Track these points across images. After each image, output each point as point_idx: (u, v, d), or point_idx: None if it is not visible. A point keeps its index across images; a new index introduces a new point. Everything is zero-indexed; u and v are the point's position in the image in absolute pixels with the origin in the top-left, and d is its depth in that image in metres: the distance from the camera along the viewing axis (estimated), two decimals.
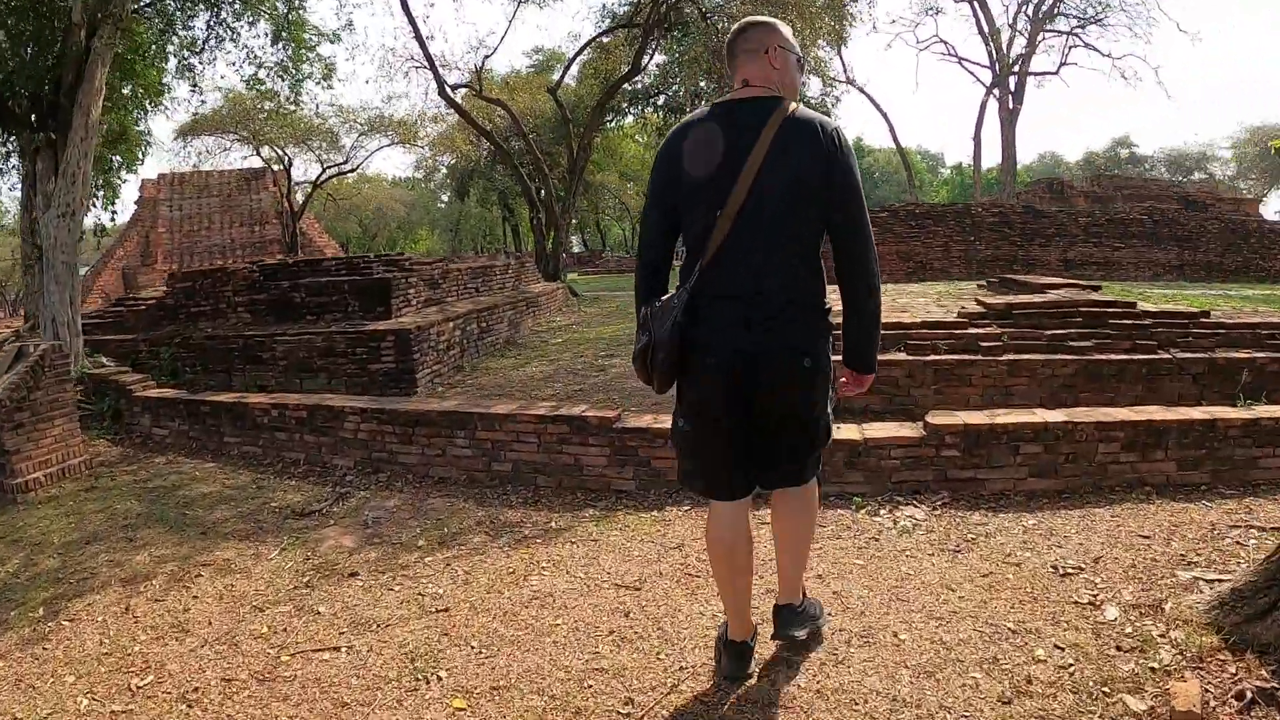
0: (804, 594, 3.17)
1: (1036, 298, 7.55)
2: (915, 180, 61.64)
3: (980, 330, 7.04)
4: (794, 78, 2.74)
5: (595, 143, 33.86)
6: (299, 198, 28.46)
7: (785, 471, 2.82)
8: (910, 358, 6.72)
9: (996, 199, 27.74)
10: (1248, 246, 21.83)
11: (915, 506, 4.93)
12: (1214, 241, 21.72)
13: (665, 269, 2.78)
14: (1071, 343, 6.95)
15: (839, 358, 2.79)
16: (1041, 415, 5.27)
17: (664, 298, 2.64)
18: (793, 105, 2.55)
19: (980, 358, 6.73)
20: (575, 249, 60.18)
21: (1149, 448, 5.10)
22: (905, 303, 8.95)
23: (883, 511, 4.86)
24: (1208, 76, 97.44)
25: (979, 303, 7.71)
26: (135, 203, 27.41)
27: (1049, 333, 7.02)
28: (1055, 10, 32.32)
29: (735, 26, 2.70)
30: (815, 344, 2.62)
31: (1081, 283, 8.74)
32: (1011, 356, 6.78)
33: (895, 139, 36.42)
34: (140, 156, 11.33)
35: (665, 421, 5.41)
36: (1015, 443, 5.14)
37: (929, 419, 5.25)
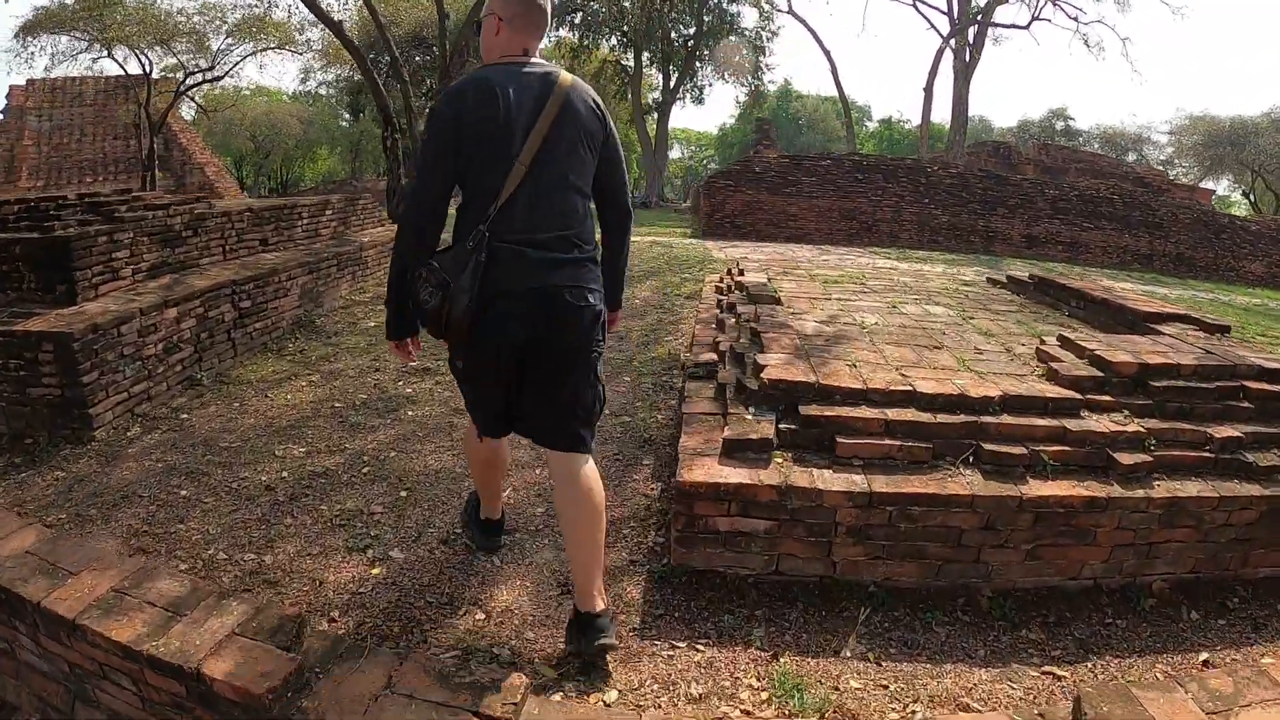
0: (602, 599, 2.72)
1: (1173, 354, 4.13)
2: (840, 134, 58.41)
3: (1109, 425, 3.58)
4: None
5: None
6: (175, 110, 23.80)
7: (563, 427, 2.72)
8: (988, 489, 3.22)
9: (944, 158, 24.37)
10: (1219, 242, 19.13)
11: None
12: (1185, 233, 18.94)
13: (440, 230, 2.70)
14: (1247, 455, 3.59)
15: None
16: None
17: (453, 247, 2.56)
18: (568, 75, 2.66)
19: (1118, 493, 3.29)
20: None
21: None
22: (917, 315, 5.43)
23: None
24: (1151, 58, 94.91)
25: (1074, 348, 4.28)
26: (1, 112, 23.16)
27: (1219, 434, 3.62)
28: None
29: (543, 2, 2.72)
30: (598, 286, 2.71)
31: (1207, 320, 5.31)
32: (1170, 491, 3.39)
33: (837, 81, 32.71)
34: None
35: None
36: None
37: None
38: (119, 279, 5.72)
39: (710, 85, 39.17)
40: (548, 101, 2.54)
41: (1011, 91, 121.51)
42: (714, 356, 4.39)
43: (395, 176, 13.89)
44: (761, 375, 3.62)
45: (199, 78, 24.92)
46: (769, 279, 6.34)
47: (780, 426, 3.41)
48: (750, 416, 3.48)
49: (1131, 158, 43.03)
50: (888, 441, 3.35)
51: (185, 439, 4.67)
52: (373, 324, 7.09)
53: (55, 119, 22.38)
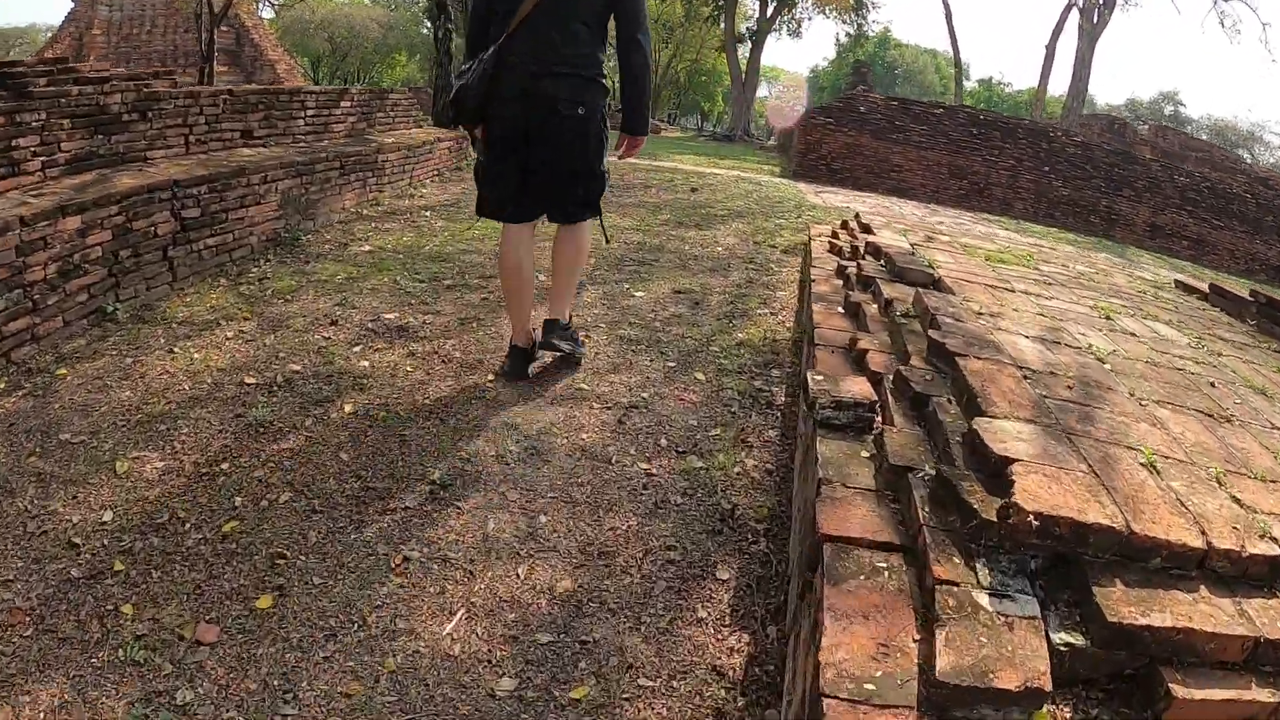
0: (569, 316, 3.57)
1: None
2: (937, 88, 54.48)
3: None
4: None
5: None
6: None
7: (562, 209, 3.35)
8: None
9: (1061, 125, 21.59)
10: None
11: None
12: None
13: (482, 44, 3.15)
14: None
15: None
16: None
17: (475, 59, 3.12)
18: None
19: None
20: None
21: None
22: (1148, 337, 3.30)
23: None
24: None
25: None
26: (72, 0, 21.90)
27: None
28: None
29: None
30: (590, 99, 3.16)
31: None
32: None
33: (951, 27, 29.00)
34: None
35: None
36: None
37: None
38: (22, 174, 3.96)
39: (809, 19, 35.94)
40: None
41: (1116, 69, 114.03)
42: (865, 389, 2.37)
43: (445, 73, 11.40)
44: (1011, 497, 1.60)
45: None
46: (911, 245, 4.39)
47: (1052, 637, 1.42)
48: (987, 601, 1.46)
49: (1241, 155, 39.60)
50: (1255, 694, 1.38)
51: (30, 417, 2.90)
52: (368, 247, 5.17)
53: (126, 9, 21.18)
